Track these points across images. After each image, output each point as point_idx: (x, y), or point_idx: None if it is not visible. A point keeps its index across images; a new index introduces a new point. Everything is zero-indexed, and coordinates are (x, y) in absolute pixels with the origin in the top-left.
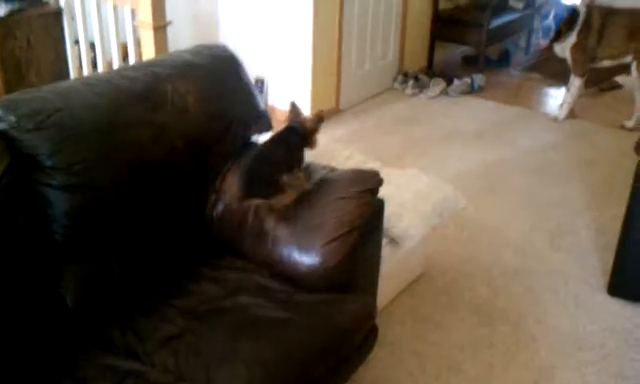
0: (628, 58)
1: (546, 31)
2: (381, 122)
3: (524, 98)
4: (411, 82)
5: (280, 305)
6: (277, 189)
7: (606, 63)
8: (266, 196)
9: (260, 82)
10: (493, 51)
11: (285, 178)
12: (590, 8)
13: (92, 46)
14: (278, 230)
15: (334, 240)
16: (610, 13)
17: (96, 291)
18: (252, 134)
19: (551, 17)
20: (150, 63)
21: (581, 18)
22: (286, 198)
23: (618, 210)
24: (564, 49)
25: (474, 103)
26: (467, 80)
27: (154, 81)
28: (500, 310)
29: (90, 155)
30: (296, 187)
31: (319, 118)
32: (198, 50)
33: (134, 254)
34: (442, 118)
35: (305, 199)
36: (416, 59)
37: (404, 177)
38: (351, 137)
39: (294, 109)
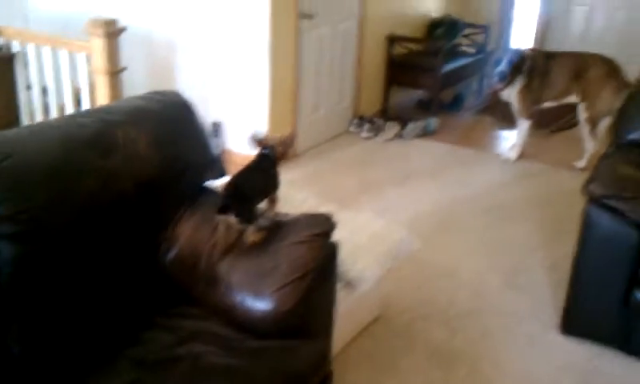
0: (570, 99)
1: (501, 76)
2: (337, 165)
3: (477, 140)
4: (367, 126)
5: (233, 352)
6: (252, 214)
7: (549, 104)
8: (242, 218)
9: (217, 126)
10: (446, 95)
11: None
12: (533, 52)
13: (44, 91)
14: (232, 276)
15: (286, 285)
16: (551, 56)
17: (45, 341)
18: (205, 180)
19: (505, 62)
20: (101, 109)
21: (527, 63)
22: (254, 236)
23: (570, 248)
24: (510, 93)
25: (429, 145)
26: (421, 123)
27: (104, 127)
28: (456, 352)
29: (38, 203)
30: (260, 232)
31: (290, 142)
32: (151, 97)
33: (84, 303)
34: (398, 161)
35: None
36: (371, 103)
37: (359, 220)
38: (307, 180)
39: (258, 138)
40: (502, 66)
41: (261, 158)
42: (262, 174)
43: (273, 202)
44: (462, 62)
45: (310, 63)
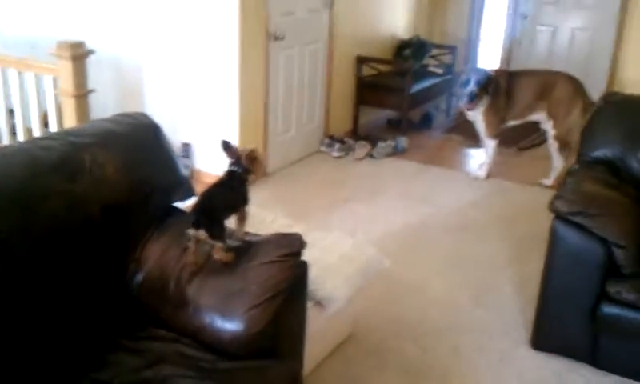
0: (535, 117)
1: (471, 96)
2: (307, 185)
3: (446, 159)
4: (337, 145)
5: (203, 374)
6: (222, 230)
7: (514, 122)
8: (213, 233)
9: (186, 147)
10: (415, 114)
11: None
12: (497, 73)
13: (11, 113)
14: (201, 297)
15: (257, 306)
16: (515, 75)
17: (9, 365)
18: (173, 202)
19: (472, 82)
20: (68, 132)
21: (493, 84)
22: (224, 256)
23: (539, 264)
24: (476, 113)
25: (398, 164)
26: (391, 142)
27: (70, 150)
28: (428, 370)
29: (5, 226)
30: (229, 252)
31: (254, 156)
32: (119, 119)
33: (50, 326)
34: (368, 180)
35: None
36: (341, 123)
37: (329, 239)
38: (278, 199)
39: (230, 148)
40: (471, 87)
41: (230, 175)
42: (232, 190)
43: (242, 218)
44: (430, 82)
45: (279, 84)
